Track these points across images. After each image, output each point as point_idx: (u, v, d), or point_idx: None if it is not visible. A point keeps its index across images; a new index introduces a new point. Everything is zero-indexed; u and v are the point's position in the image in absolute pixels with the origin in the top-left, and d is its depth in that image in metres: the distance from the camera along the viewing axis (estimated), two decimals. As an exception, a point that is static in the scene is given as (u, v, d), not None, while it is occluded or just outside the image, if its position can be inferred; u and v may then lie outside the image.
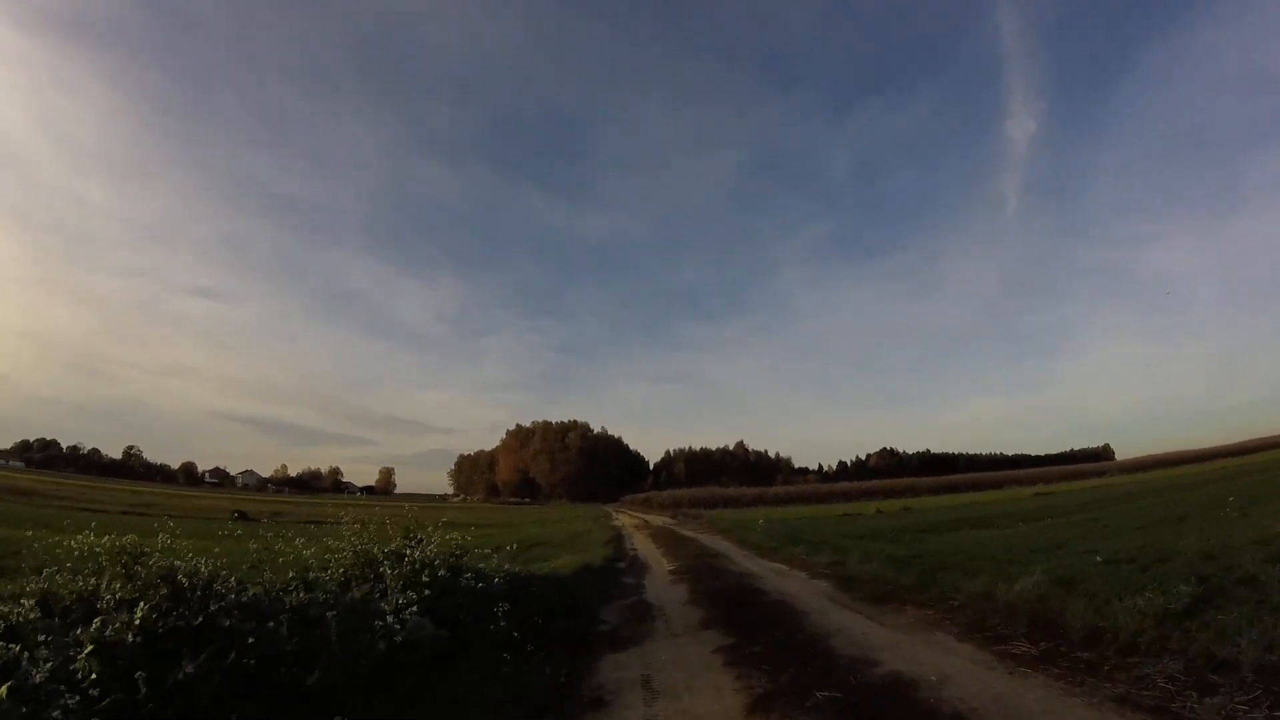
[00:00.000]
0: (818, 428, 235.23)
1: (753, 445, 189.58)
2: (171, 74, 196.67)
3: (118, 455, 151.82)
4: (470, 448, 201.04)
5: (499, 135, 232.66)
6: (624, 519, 51.24)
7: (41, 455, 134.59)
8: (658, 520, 46.00)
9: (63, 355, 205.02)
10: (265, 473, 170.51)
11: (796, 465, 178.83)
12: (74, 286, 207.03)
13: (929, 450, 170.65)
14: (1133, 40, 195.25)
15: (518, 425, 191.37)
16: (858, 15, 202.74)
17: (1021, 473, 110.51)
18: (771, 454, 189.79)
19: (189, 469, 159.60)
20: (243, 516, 33.00)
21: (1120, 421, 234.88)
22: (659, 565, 15.95)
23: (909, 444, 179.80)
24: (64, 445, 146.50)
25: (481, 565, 9.10)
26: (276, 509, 46.16)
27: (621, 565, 15.86)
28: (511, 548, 10.90)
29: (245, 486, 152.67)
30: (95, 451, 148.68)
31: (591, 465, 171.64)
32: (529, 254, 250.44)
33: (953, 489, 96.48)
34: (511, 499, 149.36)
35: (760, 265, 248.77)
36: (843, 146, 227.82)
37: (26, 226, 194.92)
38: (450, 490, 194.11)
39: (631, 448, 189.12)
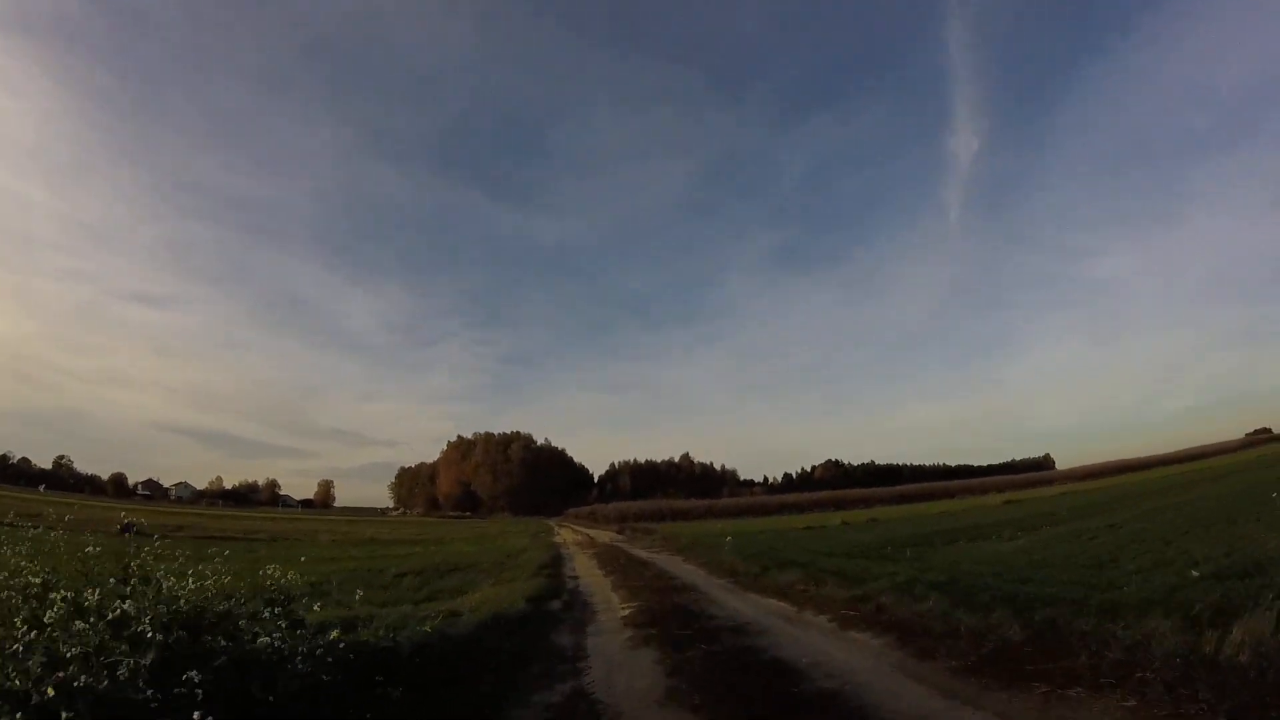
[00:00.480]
0: (764, 437, 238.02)
1: (698, 457, 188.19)
2: (118, 72, 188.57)
3: (49, 465, 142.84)
4: (414, 460, 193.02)
5: (451, 139, 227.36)
6: (566, 534, 46.82)
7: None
8: (604, 536, 41.83)
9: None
10: (201, 485, 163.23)
11: (742, 477, 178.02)
12: (10, 289, 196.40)
13: (874, 462, 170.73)
14: (1075, 56, 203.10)
15: (459, 437, 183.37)
16: (809, 25, 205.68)
17: (975, 482, 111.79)
18: (717, 466, 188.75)
19: (118, 479, 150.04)
20: (127, 529, 27.14)
21: (1058, 430, 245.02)
22: (608, 605, 11.66)
23: (853, 453, 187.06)
24: None
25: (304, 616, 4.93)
26: (184, 522, 40.21)
27: (556, 606, 11.50)
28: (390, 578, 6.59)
29: (179, 499, 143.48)
30: (25, 461, 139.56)
31: (534, 478, 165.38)
32: (478, 261, 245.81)
33: (906, 498, 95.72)
34: (451, 513, 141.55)
35: (709, 272, 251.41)
36: (792, 155, 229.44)
37: None
38: (391, 504, 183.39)
39: (576, 460, 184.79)
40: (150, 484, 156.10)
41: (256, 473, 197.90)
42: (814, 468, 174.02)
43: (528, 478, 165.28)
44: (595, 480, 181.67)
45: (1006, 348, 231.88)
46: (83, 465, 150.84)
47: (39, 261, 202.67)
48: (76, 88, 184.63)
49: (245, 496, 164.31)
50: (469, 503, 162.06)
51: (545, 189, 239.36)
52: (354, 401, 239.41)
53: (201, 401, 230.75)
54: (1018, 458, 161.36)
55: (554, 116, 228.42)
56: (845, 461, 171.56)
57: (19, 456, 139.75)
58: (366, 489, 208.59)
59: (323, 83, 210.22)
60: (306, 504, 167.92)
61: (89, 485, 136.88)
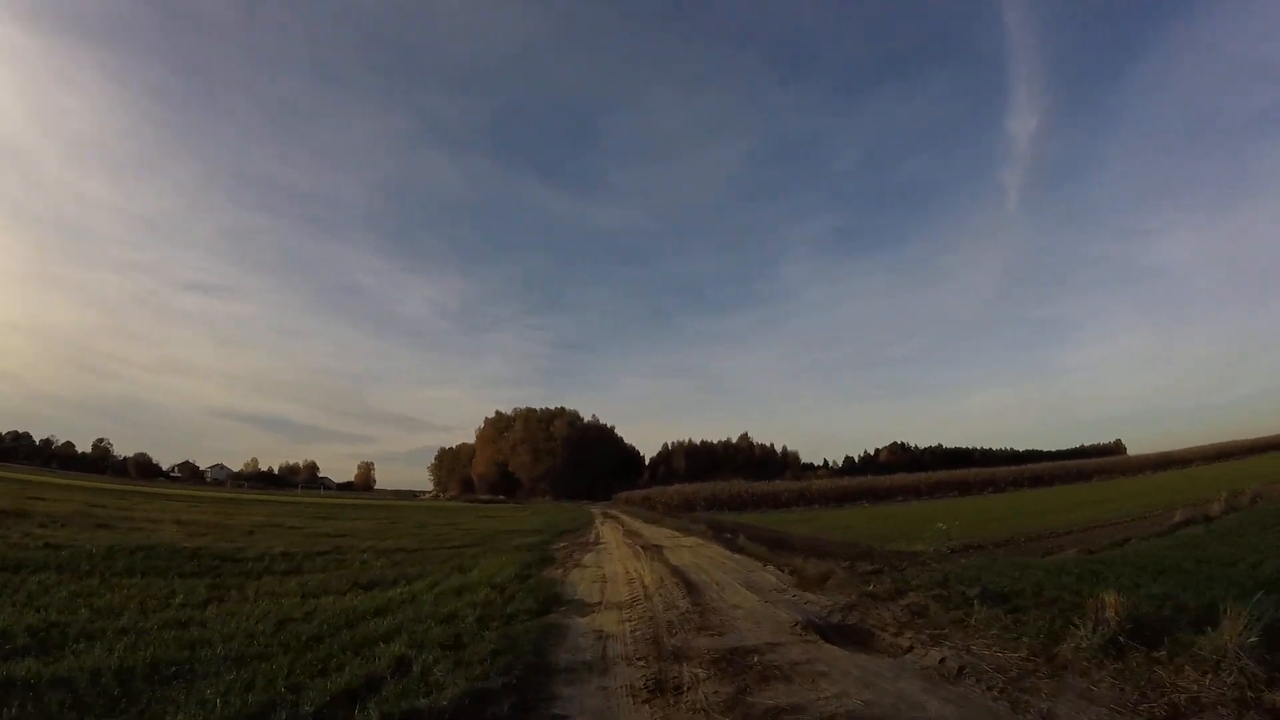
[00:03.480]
0: (818, 422, 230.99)
1: (757, 438, 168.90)
2: (174, 68, 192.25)
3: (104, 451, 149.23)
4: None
5: (505, 126, 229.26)
6: (609, 532, 27.12)
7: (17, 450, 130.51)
8: (686, 541, 21.87)
9: (62, 351, 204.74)
10: (259, 468, 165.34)
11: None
12: (74, 282, 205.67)
13: (940, 445, 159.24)
14: (1138, 31, 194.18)
15: (497, 413, 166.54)
16: (866, 4, 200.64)
17: (1096, 462, 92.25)
18: (777, 448, 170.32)
19: (141, 461, 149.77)
20: None
21: (1123, 416, 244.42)
22: None
23: (912, 438, 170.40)
24: (36, 439, 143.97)
25: None
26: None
27: None
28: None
29: (215, 481, 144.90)
30: (69, 445, 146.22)
31: (579, 458, 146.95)
32: (534, 247, 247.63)
33: (1039, 481, 74.95)
34: (482, 497, 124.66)
35: (766, 257, 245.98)
36: (850, 137, 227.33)
37: (26, 222, 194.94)
38: (431, 486, 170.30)
39: (626, 441, 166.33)
40: (186, 466, 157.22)
41: (313, 456, 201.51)
42: (878, 450, 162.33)
43: (572, 458, 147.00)
44: (646, 463, 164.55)
45: (1066, 332, 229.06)
46: (148, 451, 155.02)
47: (100, 254, 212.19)
48: (133, 84, 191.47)
49: (281, 479, 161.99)
50: (505, 485, 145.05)
51: (600, 174, 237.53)
52: (409, 387, 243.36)
53: (259, 388, 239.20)
54: (1085, 444, 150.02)
55: (608, 101, 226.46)
56: (912, 445, 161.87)
57: (62, 440, 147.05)
58: (416, 472, 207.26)
59: (376, 73, 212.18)
60: (346, 486, 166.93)
61: (112, 468, 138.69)
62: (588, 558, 16.76)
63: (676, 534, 26.34)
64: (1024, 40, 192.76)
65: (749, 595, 10.26)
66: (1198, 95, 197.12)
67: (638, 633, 7.61)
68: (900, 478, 79.11)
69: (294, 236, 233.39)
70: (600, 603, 9.81)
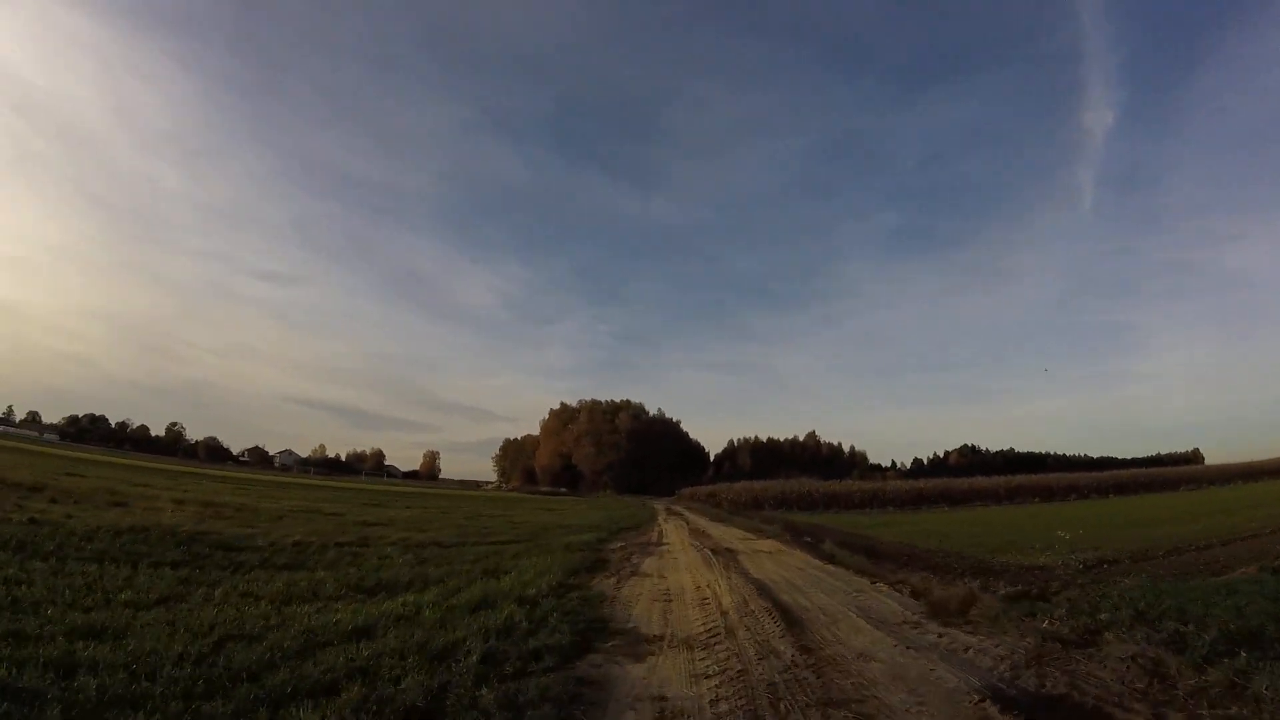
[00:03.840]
0: (880, 423, 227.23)
1: (823, 437, 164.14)
2: (244, 57, 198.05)
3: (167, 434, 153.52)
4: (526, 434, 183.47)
5: (566, 118, 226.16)
6: (674, 531, 24.26)
7: (74, 429, 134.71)
8: (762, 545, 18.79)
9: (139, 337, 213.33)
10: (328, 454, 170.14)
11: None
12: (149, 270, 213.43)
13: (1013, 449, 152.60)
14: (1216, 27, 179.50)
15: (562, 404, 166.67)
16: None
17: (1173, 471, 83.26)
18: (844, 447, 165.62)
19: (211, 445, 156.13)
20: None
21: (1196, 425, 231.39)
22: None
23: (978, 442, 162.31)
24: (112, 421, 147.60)
25: None
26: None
27: None
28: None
29: (284, 466, 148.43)
30: (143, 428, 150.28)
31: (643, 451, 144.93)
32: (593, 239, 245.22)
33: (1121, 489, 67.35)
34: (543, 489, 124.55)
35: (827, 254, 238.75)
36: (913, 133, 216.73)
37: (103, 211, 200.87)
38: (495, 477, 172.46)
39: (691, 436, 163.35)
40: (255, 451, 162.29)
41: (381, 444, 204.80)
42: (948, 453, 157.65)
43: (636, 451, 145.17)
44: (711, 459, 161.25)
45: (1137, 339, 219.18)
46: (221, 436, 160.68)
47: (174, 241, 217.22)
48: (203, 74, 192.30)
49: (347, 466, 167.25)
50: (568, 478, 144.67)
51: (661, 168, 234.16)
52: (474, 376, 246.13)
53: (328, 375, 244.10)
54: (1160, 452, 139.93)
55: (667, 95, 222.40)
56: (982, 448, 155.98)
57: (137, 423, 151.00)
58: (481, 463, 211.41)
59: (438, 63, 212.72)
60: (411, 475, 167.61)
61: (180, 450, 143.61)
62: (648, 563, 14.02)
63: (749, 535, 23.23)
64: (1099, 30, 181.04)
65: (875, 633, 7.19)
66: (1275, 97, 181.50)
67: (724, 705, 4.75)
68: (978, 481, 72.61)
69: (361, 224, 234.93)
70: (663, 637, 7.00)
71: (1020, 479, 73.64)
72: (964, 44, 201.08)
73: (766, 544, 19.12)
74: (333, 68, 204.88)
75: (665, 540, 20.39)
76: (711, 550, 16.78)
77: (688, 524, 30.31)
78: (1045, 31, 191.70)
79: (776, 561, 14.24)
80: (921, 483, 66.17)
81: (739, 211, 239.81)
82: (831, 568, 13.43)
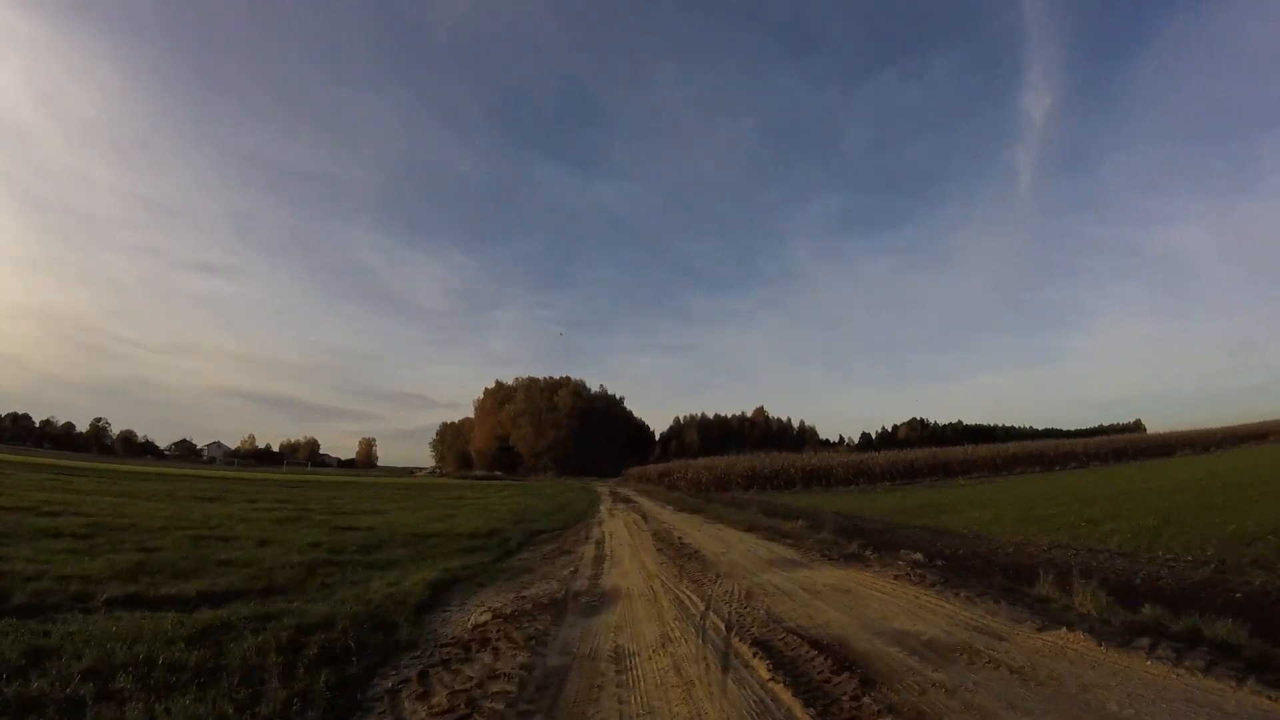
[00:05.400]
0: (826, 401, 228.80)
1: (772, 413, 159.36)
2: (179, 49, 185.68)
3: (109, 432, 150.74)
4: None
5: (510, 103, 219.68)
6: (620, 528, 13.98)
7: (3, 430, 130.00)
8: (782, 553, 8.59)
9: (68, 335, 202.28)
10: (260, 446, 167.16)
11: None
12: (80, 266, 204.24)
13: (961, 422, 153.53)
14: (1155, 13, 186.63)
15: (497, 383, 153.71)
16: None
17: (1170, 435, 79.54)
18: (794, 423, 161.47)
19: (128, 438, 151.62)
20: None
21: (1131, 399, 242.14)
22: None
23: (917, 416, 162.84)
24: (36, 420, 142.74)
25: None
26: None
27: None
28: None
29: (211, 460, 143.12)
30: (68, 425, 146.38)
31: (586, 431, 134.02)
32: (539, 225, 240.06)
33: (1121, 455, 61.41)
34: (477, 474, 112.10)
35: (772, 236, 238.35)
36: (858, 116, 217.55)
37: (32, 207, 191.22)
38: (433, 462, 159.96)
39: (635, 415, 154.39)
40: (183, 444, 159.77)
41: (319, 434, 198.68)
42: (896, 427, 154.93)
43: (579, 431, 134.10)
44: (657, 438, 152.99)
45: (1077, 316, 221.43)
46: (151, 432, 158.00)
47: (106, 237, 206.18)
48: (138, 66, 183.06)
49: (278, 456, 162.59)
50: (506, 461, 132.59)
51: (605, 152, 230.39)
52: (417, 365, 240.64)
53: (266, 367, 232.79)
54: (1102, 423, 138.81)
55: (613, 78, 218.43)
56: (931, 421, 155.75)
57: (63, 421, 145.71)
58: (421, 450, 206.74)
59: (380, 52, 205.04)
60: (347, 464, 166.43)
61: (95, 446, 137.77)
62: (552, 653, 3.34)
63: (741, 533, 13.08)
64: (1039, 13, 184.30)
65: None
66: (1214, 80, 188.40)
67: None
68: (968, 450, 64.96)
69: (301, 217, 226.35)
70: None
71: (1014, 447, 66.60)
72: (909, 28, 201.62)
73: (786, 552, 9.08)
74: (273, 58, 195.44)
75: (607, 551, 10.11)
76: (701, 577, 6.40)
77: (642, 516, 19.88)
78: (988, 16, 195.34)
79: (871, 614, 4.03)
80: (913, 454, 57.96)
81: (685, 195, 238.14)
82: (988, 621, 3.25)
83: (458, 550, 11.42)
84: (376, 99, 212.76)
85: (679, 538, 13.07)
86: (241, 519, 15.50)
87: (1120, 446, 67.71)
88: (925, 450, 65.16)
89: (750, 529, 13.98)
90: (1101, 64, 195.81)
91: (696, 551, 10.77)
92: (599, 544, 12.91)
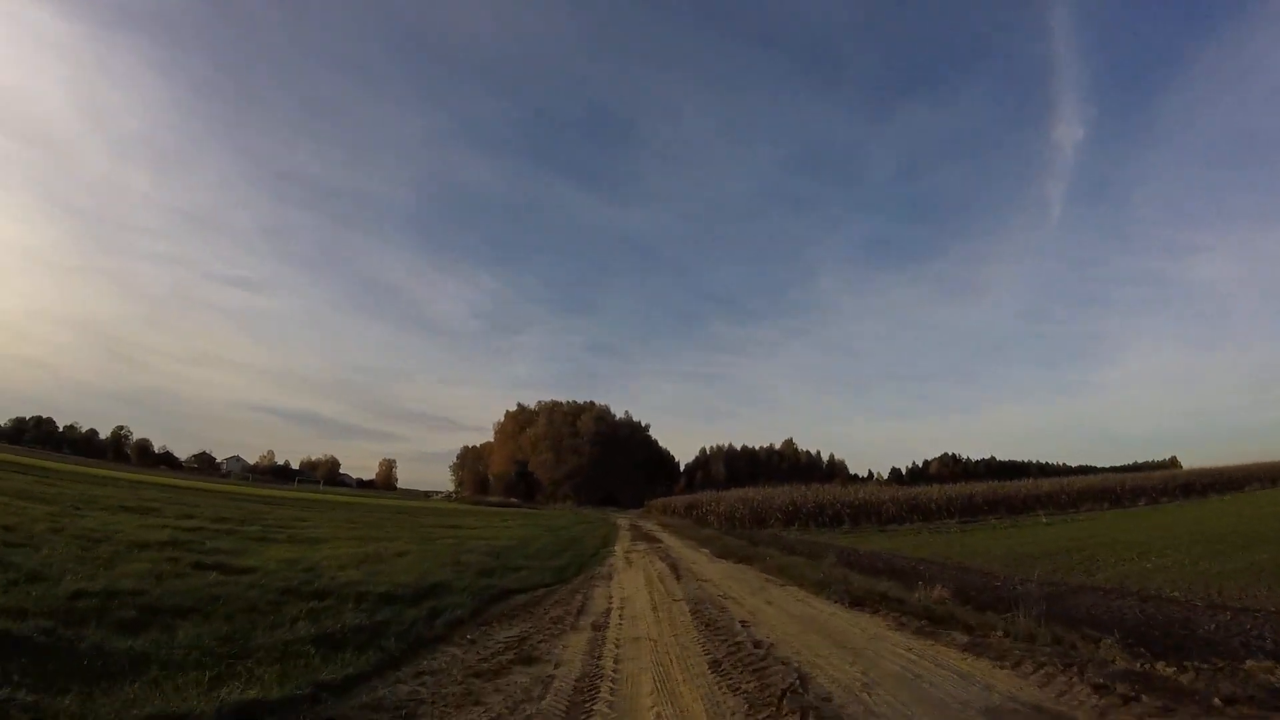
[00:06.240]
0: (852, 433, 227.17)
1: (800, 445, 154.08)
2: (218, 63, 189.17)
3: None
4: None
5: (540, 127, 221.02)
6: (638, 592, 8.75)
7: (14, 430, 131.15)
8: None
9: (97, 342, 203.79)
10: (279, 462, 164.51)
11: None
12: (111, 274, 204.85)
13: (994, 458, 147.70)
14: (1186, 42, 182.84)
15: (519, 405, 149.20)
16: (905, 6, 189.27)
17: (1238, 468, 70.75)
18: (823, 456, 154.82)
19: (143, 447, 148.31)
20: None
21: (1160, 434, 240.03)
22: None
23: (951, 451, 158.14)
24: (60, 425, 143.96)
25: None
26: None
27: None
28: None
29: (228, 472, 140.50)
30: (92, 432, 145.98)
31: (609, 459, 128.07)
32: (566, 250, 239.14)
33: (1189, 491, 53.81)
34: (492, 499, 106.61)
35: (798, 265, 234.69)
36: (885, 145, 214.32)
37: (68, 214, 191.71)
38: (451, 486, 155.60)
39: (660, 444, 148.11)
40: (202, 456, 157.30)
41: (341, 453, 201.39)
42: (928, 462, 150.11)
43: (601, 458, 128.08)
44: (682, 469, 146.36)
45: (1107, 349, 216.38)
46: (173, 443, 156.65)
47: (139, 246, 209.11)
48: (177, 78, 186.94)
49: (296, 473, 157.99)
50: (524, 487, 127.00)
51: (633, 178, 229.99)
52: (440, 386, 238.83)
53: (291, 383, 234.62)
54: (1137, 460, 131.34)
55: (642, 104, 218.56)
56: (963, 456, 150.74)
57: (86, 427, 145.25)
58: (442, 473, 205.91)
59: (413, 72, 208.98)
60: (367, 484, 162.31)
61: (111, 453, 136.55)
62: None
63: (848, 613, 7.39)
64: (1071, 44, 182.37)
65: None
66: (1245, 110, 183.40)
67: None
68: (1029, 484, 57.60)
69: (330, 233, 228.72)
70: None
71: (1079, 481, 59.73)
72: (938, 57, 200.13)
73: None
74: (307, 75, 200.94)
75: (603, 673, 4.69)
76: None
77: (671, 566, 14.24)
78: (1018, 46, 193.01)
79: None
80: (974, 487, 51.34)
81: (711, 222, 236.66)
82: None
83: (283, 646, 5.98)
84: (408, 117, 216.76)
85: (741, 621, 7.44)
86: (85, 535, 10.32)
87: (1187, 481, 60.64)
88: (985, 484, 58.28)
89: (858, 604, 8.25)
90: (1131, 94, 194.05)
91: (799, 671, 5.14)
92: (597, 631, 7.39)
